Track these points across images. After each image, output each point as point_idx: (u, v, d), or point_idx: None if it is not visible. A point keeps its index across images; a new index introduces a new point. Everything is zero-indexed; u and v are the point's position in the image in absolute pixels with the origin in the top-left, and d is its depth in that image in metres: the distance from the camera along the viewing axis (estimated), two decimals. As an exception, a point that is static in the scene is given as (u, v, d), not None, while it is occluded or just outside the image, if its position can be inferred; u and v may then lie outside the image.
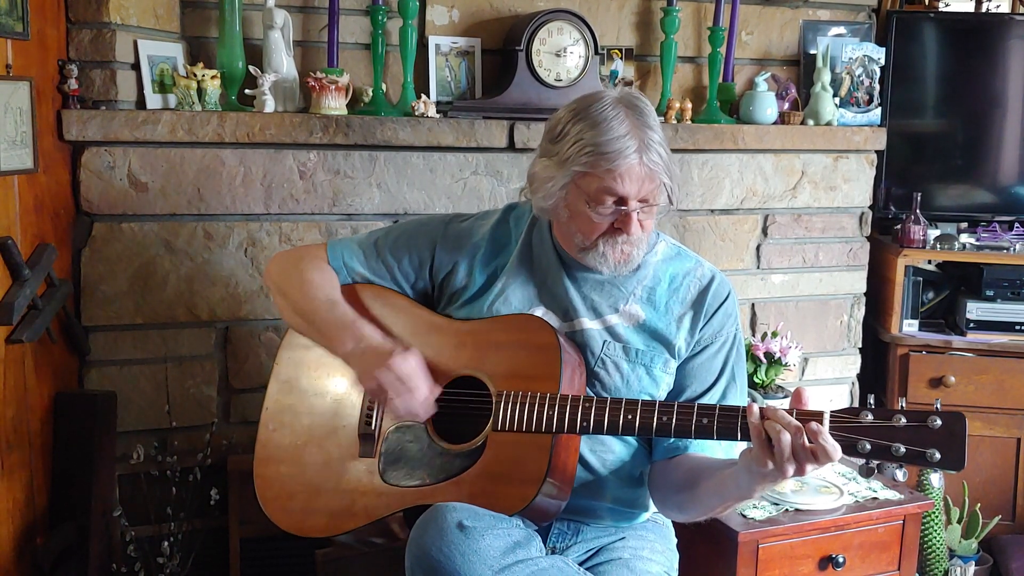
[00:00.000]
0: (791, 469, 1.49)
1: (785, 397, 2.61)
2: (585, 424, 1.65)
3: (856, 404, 3.14)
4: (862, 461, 1.51)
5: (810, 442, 1.47)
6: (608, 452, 1.81)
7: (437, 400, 1.76)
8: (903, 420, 1.48)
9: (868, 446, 1.48)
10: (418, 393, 1.71)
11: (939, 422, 1.46)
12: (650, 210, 1.73)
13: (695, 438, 1.64)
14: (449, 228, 1.94)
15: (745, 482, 1.58)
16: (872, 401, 1.53)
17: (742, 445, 1.63)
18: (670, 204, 1.75)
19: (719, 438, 1.60)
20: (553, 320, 1.83)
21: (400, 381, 1.70)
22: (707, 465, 1.74)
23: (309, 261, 1.92)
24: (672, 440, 1.79)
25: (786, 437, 1.47)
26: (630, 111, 1.68)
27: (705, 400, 1.82)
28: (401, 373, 1.70)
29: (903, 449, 1.47)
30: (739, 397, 1.87)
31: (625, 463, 1.83)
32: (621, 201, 1.69)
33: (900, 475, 1.51)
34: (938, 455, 1.45)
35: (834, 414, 1.51)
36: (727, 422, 1.58)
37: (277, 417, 1.90)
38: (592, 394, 1.79)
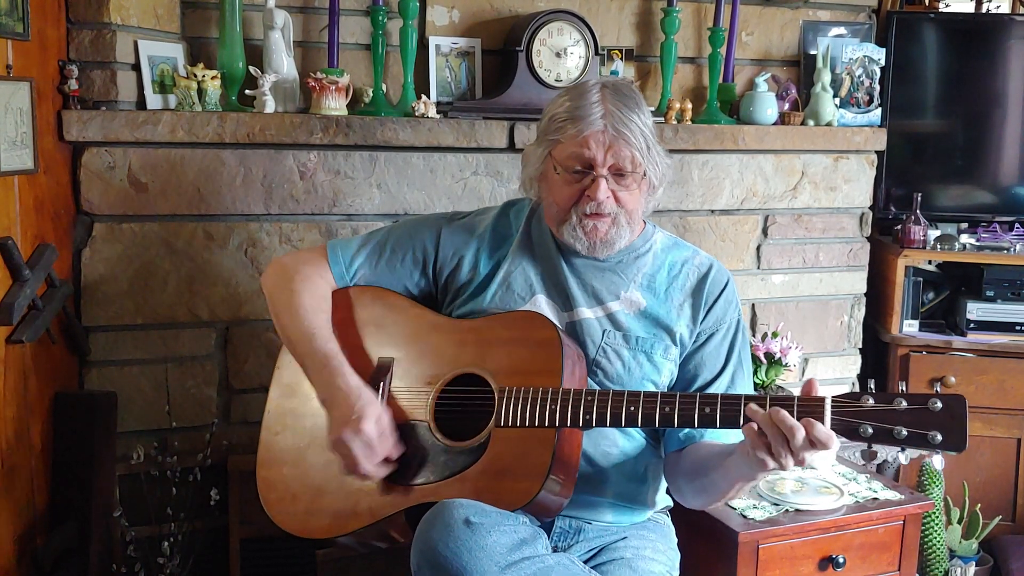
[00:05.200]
0: (789, 462, 1.51)
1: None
2: (588, 417, 1.65)
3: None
4: (864, 445, 1.51)
5: (806, 436, 1.48)
6: (612, 446, 1.81)
7: (442, 393, 1.77)
8: (904, 403, 1.49)
9: (870, 430, 1.49)
10: (363, 466, 1.69)
11: (940, 404, 1.47)
12: (626, 184, 1.76)
13: (699, 427, 1.65)
14: (450, 225, 1.95)
15: (747, 468, 1.61)
16: (873, 386, 1.54)
17: None
18: (653, 185, 1.80)
19: (722, 427, 1.61)
20: (554, 307, 1.85)
21: (346, 455, 1.69)
22: (717, 451, 1.75)
23: (303, 278, 1.89)
24: (687, 430, 1.80)
25: (779, 436, 1.49)
26: (608, 90, 1.77)
27: (715, 387, 1.85)
28: (349, 449, 1.69)
29: (905, 432, 1.48)
30: (747, 381, 1.90)
31: (628, 457, 1.83)
32: (590, 166, 1.74)
33: (903, 458, 1.52)
34: (940, 437, 1.46)
35: (835, 399, 1.52)
36: (730, 411, 1.59)
37: (279, 420, 1.90)
38: (595, 384, 1.80)
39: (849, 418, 1.50)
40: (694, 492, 1.82)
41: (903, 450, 1.50)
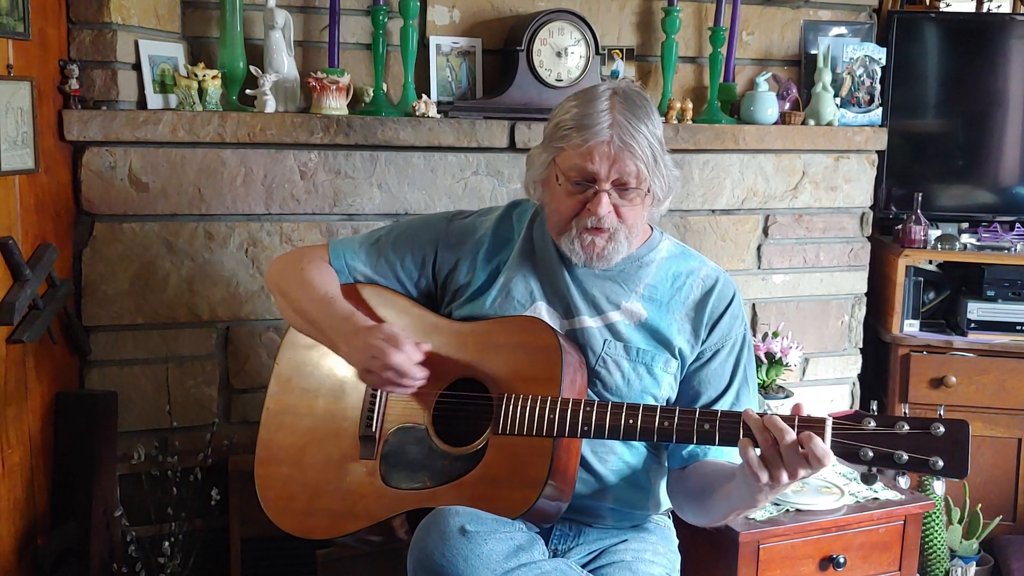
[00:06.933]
0: (783, 474, 1.49)
1: (786, 397, 2.61)
2: (586, 428, 1.64)
3: (857, 404, 3.14)
4: (864, 468, 1.50)
5: (801, 447, 1.47)
6: (610, 453, 1.80)
7: (440, 397, 1.76)
8: (906, 427, 1.47)
9: (871, 453, 1.48)
10: (396, 355, 1.65)
11: (942, 429, 1.46)
12: (629, 198, 1.72)
13: (697, 443, 1.64)
14: (452, 225, 1.94)
15: (747, 492, 1.59)
16: (875, 408, 1.53)
17: None
18: (657, 199, 1.76)
19: (721, 444, 1.59)
20: (554, 315, 1.83)
21: (375, 355, 1.66)
22: (720, 473, 1.73)
23: (309, 261, 1.91)
24: (690, 448, 1.79)
25: (770, 439, 1.49)
26: (618, 98, 1.71)
27: (719, 405, 1.82)
28: (373, 345, 1.65)
29: (906, 457, 1.47)
30: (751, 397, 1.87)
31: (628, 465, 1.82)
32: (593, 179, 1.70)
33: (903, 482, 1.51)
34: (941, 463, 1.45)
35: (836, 421, 1.51)
36: (729, 428, 1.58)
37: (278, 418, 1.90)
38: (593, 393, 1.79)
39: (850, 440, 1.49)
40: (695, 512, 1.82)
41: (903, 473, 1.49)
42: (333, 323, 1.79)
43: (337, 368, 1.86)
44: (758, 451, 1.52)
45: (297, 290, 1.88)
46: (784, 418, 1.52)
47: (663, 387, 1.82)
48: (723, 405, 1.82)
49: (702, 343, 1.83)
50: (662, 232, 1.92)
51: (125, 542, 2.34)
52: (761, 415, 1.53)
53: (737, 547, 2.18)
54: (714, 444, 1.60)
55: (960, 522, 2.90)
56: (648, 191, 1.73)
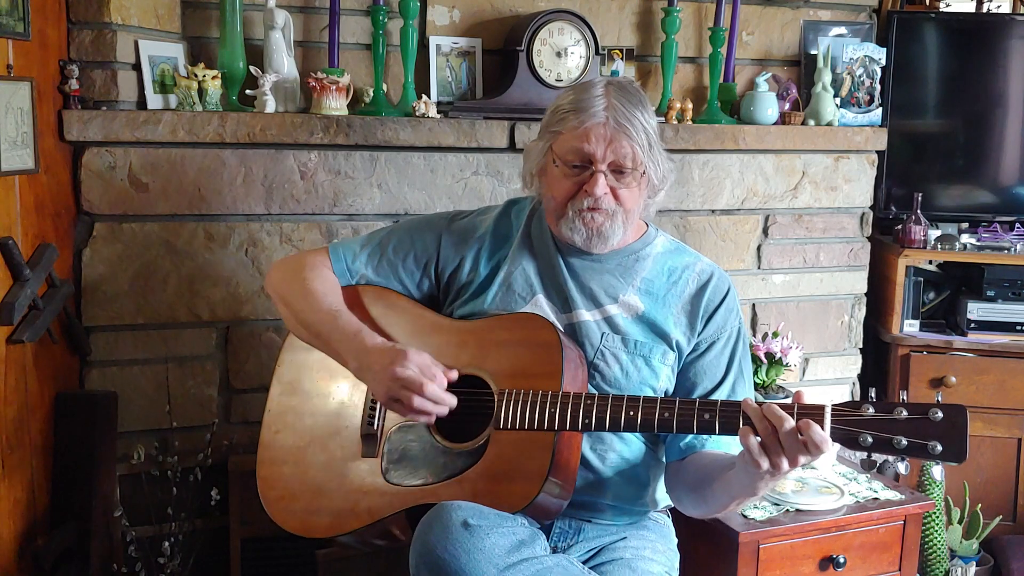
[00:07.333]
0: (783, 461, 1.50)
1: (786, 397, 2.61)
2: (587, 421, 1.65)
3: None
4: (864, 454, 1.51)
5: (800, 434, 1.48)
6: (609, 450, 1.81)
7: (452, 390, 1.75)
8: (904, 413, 1.49)
9: (870, 439, 1.49)
10: (430, 386, 1.63)
11: (940, 414, 1.47)
12: (626, 182, 1.75)
13: (697, 433, 1.65)
14: (453, 225, 1.95)
15: (747, 480, 1.60)
16: (873, 395, 1.54)
17: None
18: (654, 184, 1.79)
19: (721, 433, 1.61)
20: (552, 308, 1.84)
21: (406, 387, 1.64)
22: (718, 463, 1.74)
23: (311, 269, 1.90)
24: (688, 439, 1.80)
25: (769, 427, 1.49)
26: (613, 87, 1.77)
27: (716, 396, 1.84)
28: (406, 377, 1.64)
29: (904, 442, 1.48)
30: (747, 390, 1.89)
31: (626, 461, 1.83)
32: (590, 161, 1.73)
33: (902, 468, 1.52)
34: (939, 447, 1.47)
35: (835, 408, 1.52)
36: (729, 417, 1.59)
37: (279, 419, 1.90)
38: (592, 387, 1.80)
39: (849, 427, 1.50)
40: (694, 503, 1.82)
41: (902, 459, 1.50)
42: (341, 339, 1.78)
43: (337, 369, 1.85)
44: (758, 439, 1.52)
45: (301, 301, 1.87)
46: (783, 406, 1.52)
47: (661, 379, 1.83)
48: (719, 396, 1.84)
49: (698, 335, 1.85)
50: (657, 229, 1.95)
51: (125, 542, 2.34)
52: (760, 404, 1.54)
53: (737, 547, 2.18)
54: (714, 433, 1.61)
55: (960, 522, 2.90)
56: (644, 174, 1.76)
